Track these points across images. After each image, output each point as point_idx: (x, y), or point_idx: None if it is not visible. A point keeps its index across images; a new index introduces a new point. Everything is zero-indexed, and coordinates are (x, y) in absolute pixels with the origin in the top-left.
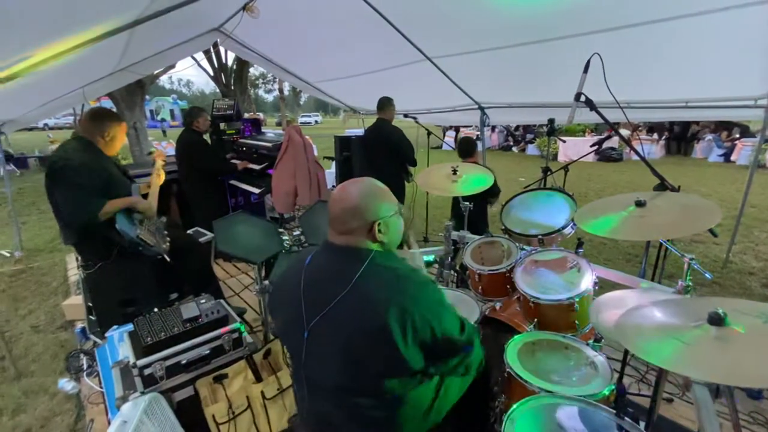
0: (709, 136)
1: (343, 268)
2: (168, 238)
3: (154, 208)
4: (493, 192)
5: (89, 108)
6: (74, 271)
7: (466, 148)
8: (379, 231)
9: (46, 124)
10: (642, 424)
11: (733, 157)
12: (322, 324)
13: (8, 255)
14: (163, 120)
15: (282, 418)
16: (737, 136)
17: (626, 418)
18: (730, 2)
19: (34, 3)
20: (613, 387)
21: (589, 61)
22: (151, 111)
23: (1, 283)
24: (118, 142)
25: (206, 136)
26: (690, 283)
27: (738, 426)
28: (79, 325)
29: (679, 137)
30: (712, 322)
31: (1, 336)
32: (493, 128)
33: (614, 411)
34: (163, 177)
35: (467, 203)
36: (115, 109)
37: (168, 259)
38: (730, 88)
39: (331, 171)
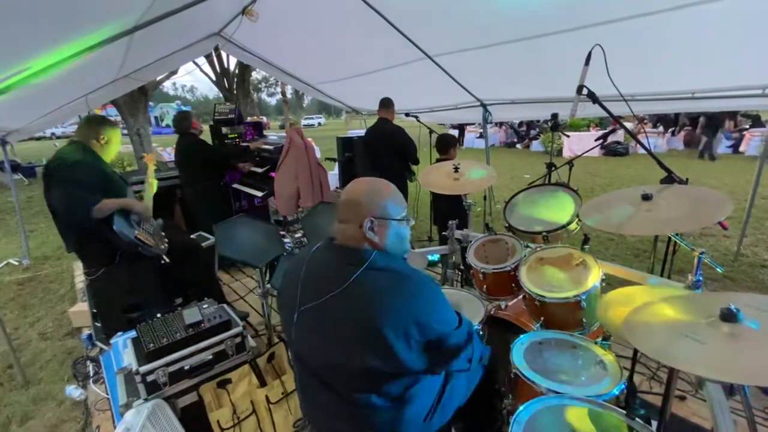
0: None
1: (341, 270)
2: (166, 240)
3: (150, 209)
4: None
5: (85, 116)
6: (81, 278)
7: (443, 145)
8: (371, 230)
9: (53, 133)
10: (654, 424)
11: (741, 148)
12: (313, 314)
13: (17, 263)
14: (168, 126)
15: (287, 422)
16: (746, 126)
17: (637, 419)
18: None
19: (27, 10)
20: (624, 386)
21: (590, 53)
22: (155, 117)
23: (9, 291)
24: (114, 146)
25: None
26: (701, 278)
27: (753, 423)
28: (86, 332)
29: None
30: (725, 319)
31: (9, 344)
32: (500, 125)
33: (624, 412)
34: (155, 185)
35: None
36: (119, 117)
37: (167, 260)
38: (738, 77)
39: (334, 172)
